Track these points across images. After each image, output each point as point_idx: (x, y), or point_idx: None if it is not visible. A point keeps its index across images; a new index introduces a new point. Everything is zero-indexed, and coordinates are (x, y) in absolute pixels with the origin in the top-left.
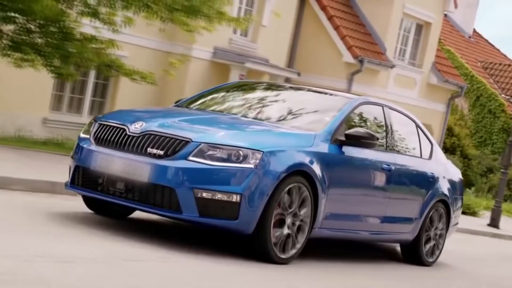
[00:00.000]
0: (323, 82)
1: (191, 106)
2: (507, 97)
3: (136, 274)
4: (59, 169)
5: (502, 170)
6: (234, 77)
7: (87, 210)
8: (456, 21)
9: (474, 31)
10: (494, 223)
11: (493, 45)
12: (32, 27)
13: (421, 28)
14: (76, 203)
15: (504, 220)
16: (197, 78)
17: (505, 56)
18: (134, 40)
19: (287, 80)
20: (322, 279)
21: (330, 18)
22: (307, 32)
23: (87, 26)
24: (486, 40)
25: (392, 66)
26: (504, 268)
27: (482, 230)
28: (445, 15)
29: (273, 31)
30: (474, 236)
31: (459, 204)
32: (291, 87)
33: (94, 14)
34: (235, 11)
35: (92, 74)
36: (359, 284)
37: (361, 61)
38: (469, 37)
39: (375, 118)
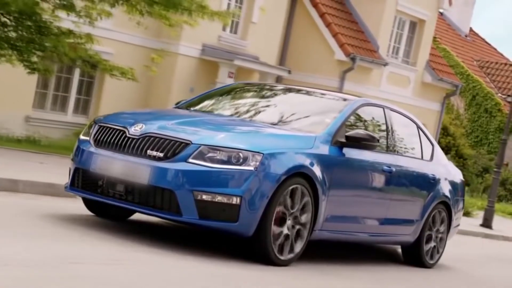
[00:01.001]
0: (315, 80)
1: (191, 108)
2: (503, 96)
3: (78, 278)
4: (24, 167)
5: (495, 169)
6: (222, 74)
7: (43, 210)
8: (452, 20)
9: (471, 29)
10: (487, 223)
11: (489, 44)
12: (8, 21)
13: (415, 25)
14: (38, 202)
15: (498, 221)
16: (185, 75)
17: (501, 55)
18: (120, 36)
19: (278, 78)
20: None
21: (322, 15)
22: (299, 29)
23: (66, 21)
24: (483, 39)
25: (385, 64)
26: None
27: (474, 231)
28: (441, 13)
29: (263, 28)
30: (466, 236)
31: (461, 205)
32: (291, 89)
33: (70, 7)
34: (224, 7)
35: (77, 71)
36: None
37: (353, 59)
38: (466, 36)
39: (376, 120)
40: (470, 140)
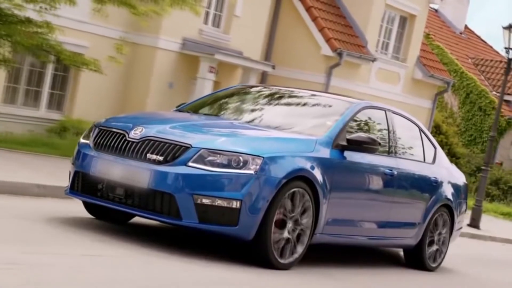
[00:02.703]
0: (301, 76)
1: (192, 111)
2: (498, 94)
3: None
4: None
5: (482, 167)
6: (203, 69)
7: None
8: (447, 17)
9: (466, 27)
10: (474, 223)
11: (485, 42)
12: None
13: (405, 20)
14: None
15: (488, 221)
16: (165, 70)
17: (497, 52)
18: (96, 29)
19: (264, 73)
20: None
21: (308, 9)
22: (284, 23)
23: (31, 10)
24: (478, 37)
25: (374, 60)
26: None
27: (461, 231)
28: (436, 10)
29: (247, 22)
30: None
31: (463, 208)
32: (292, 91)
33: None
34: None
35: (50, 65)
36: None
37: (340, 54)
38: (460, 33)
39: (378, 122)
40: (464, 139)
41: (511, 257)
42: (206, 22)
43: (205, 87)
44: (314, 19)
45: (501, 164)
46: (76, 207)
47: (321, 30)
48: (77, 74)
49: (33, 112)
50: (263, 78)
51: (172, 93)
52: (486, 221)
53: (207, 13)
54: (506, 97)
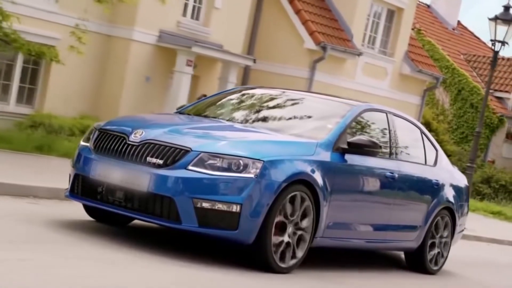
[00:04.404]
0: (284, 70)
1: (192, 113)
2: (490, 91)
3: None
4: None
5: (468, 165)
6: (180, 62)
7: None
8: (440, 12)
9: (459, 23)
10: None
11: (478, 38)
12: None
13: (392, 14)
14: None
15: (477, 220)
16: (140, 63)
17: (491, 49)
18: (67, 21)
19: (246, 68)
20: None
21: (291, 1)
22: (267, 16)
23: None
24: (471, 33)
25: (359, 54)
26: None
27: None
28: (428, 6)
29: (228, 14)
30: None
31: (465, 210)
32: (293, 94)
33: None
34: None
35: (20, 58)
36: None
37: (324, 48)
38: (453, 29)
39: (379, 125)
40: (456, 136)
41: (501, 258)
42: (184, 14)
43: (182, 81)
44: (297, 11)
45: (493, 162)
46: (20, 205)
47: (304, 23)
48: (48, 67)
49: (2, 106)
50: (245, 72)
51: (148, 87)
52: (474, 220)
53: (185, 5)
54: (498, 94)
